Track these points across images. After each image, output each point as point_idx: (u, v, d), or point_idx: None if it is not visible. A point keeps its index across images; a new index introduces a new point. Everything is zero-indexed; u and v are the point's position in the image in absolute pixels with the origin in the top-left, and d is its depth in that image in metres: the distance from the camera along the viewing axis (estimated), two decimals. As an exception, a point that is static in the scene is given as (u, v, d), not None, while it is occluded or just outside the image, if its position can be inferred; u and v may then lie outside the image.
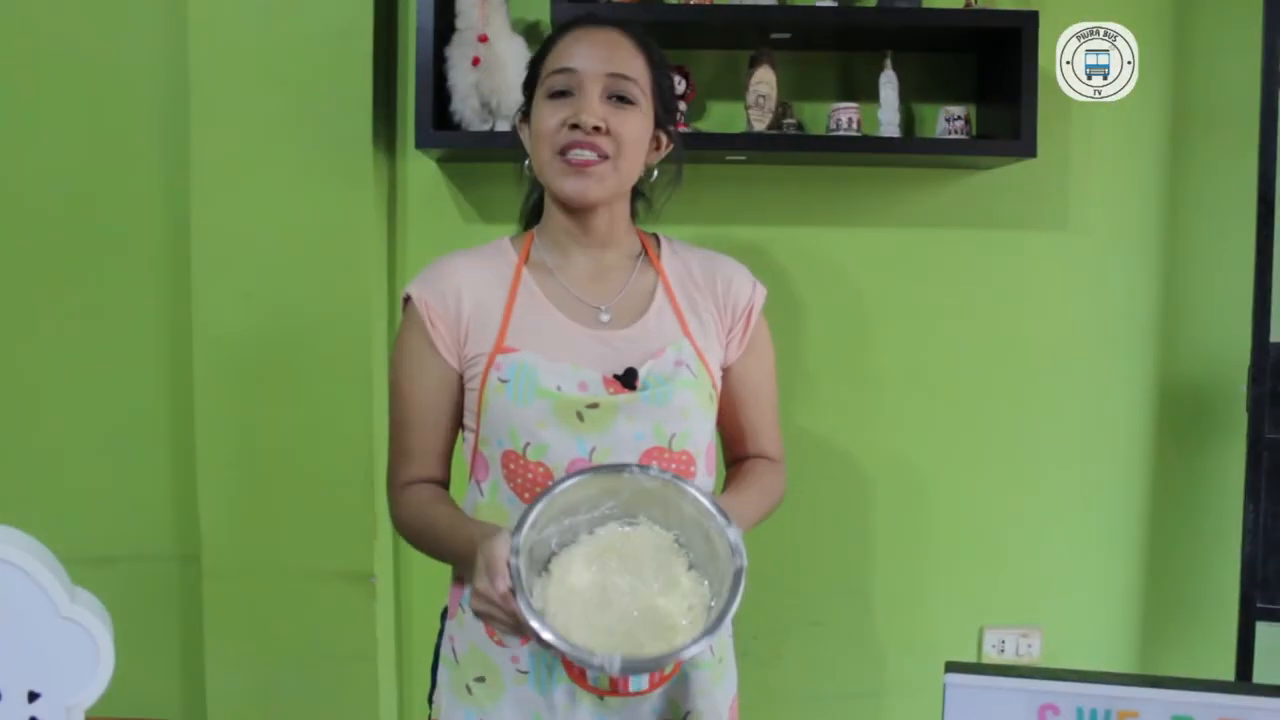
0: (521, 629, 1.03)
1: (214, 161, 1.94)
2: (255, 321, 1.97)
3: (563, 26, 1.28)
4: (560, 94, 1.22)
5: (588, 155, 1.21)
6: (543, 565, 1.09)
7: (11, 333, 2.07)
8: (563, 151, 1.21)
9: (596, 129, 1.20)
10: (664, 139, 1.30)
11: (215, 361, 1.97)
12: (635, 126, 1.23)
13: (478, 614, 1.08)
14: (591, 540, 1.10)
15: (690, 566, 1.11)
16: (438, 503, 1.26)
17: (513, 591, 1.02)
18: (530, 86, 1.29)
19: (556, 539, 1.10)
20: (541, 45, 1.30)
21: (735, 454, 1.39)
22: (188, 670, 2.12)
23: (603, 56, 1.22)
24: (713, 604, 1.08)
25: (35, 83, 2.03)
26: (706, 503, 1.10)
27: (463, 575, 1.30)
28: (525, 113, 1.30)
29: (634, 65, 1.24)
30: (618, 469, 1.11)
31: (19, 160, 2.04)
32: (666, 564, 1.10)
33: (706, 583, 1.10)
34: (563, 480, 1.10)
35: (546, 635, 1.00)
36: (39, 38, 2.02)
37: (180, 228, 2.00)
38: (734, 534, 1.08)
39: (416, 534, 1.26)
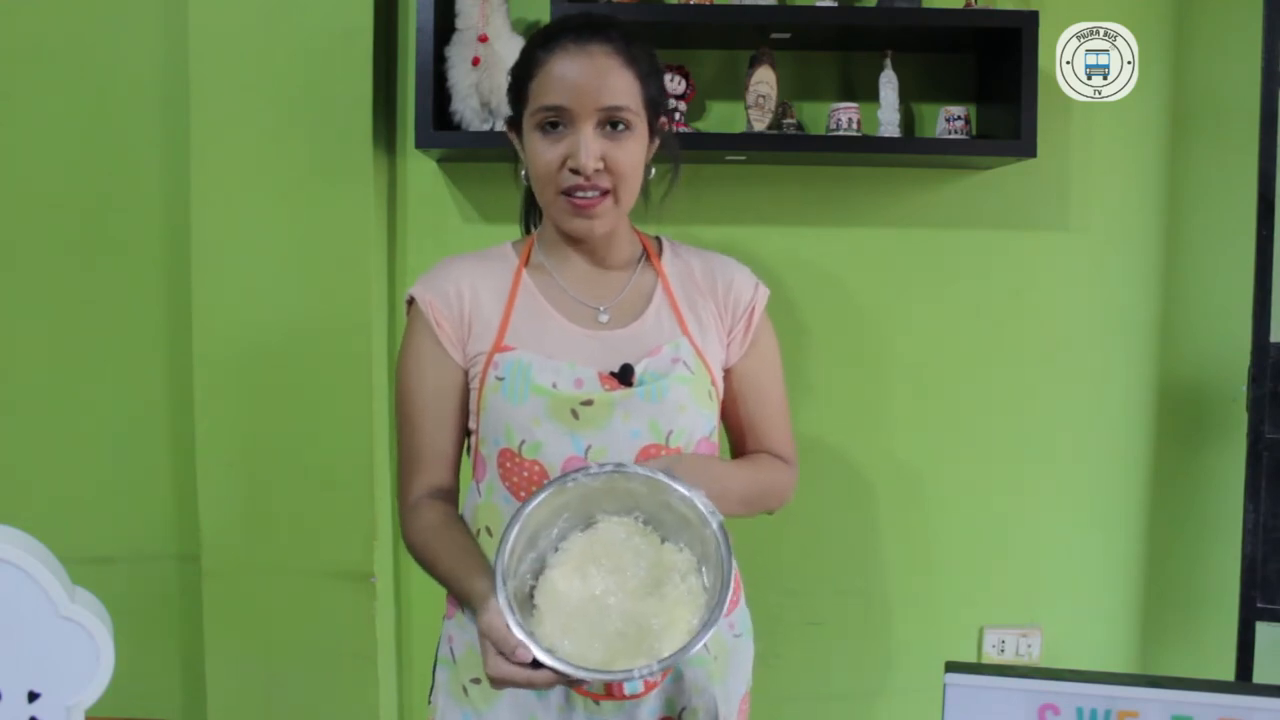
0: (548, 682, 1.02)
1: (214, 161, 1.94)
2: (255, 321, 1.97)
3: (546, 36, 1.23)
4: (553, 125, 1.20)
5: (590, 195, 1.20)
6: (528, 602, 1.08)
7: (11, 333, 2.07)
8: (564, 192, 1.21)
9: (596, 169, 1.19)
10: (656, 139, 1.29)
11: (215, 361, 1.97)
12: (632, 153, 1.21)
13: (500, 686, 1.06)
14: (559, 558, 1.09)
15: (663, 540, 1.11)
16: (441, 533, 1.22)
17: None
18: (517, 97, 1.25)
19: (530, 573, 1.09)
20: (525, 55, 1.24)
21: (741, 451, 1.39)
22: (188, 670, 2.12)
23: (593, 89, 1.18)
24: (703, 569, 1.07)
25: (35, 83, 2.03)
26: (660, 477, 1.09)
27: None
28: (512, 120, 1.28)
29: (625, 90, 1.19)
30: (560, 481, 1.09)
31: (19, 160, 2.04)
32: (640, 546, 1.10)
33: (685, 548, 1.09)
34: (511, 522, 1.07)
35: (582, 675, 1.00)
36: (39, 38, 2.02)
37: (180, 228, 2.00)
38: (701, 499, 1.07)
39: (421, 562, 1.25)
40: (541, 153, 1.20)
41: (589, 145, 1.18)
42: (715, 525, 1.06)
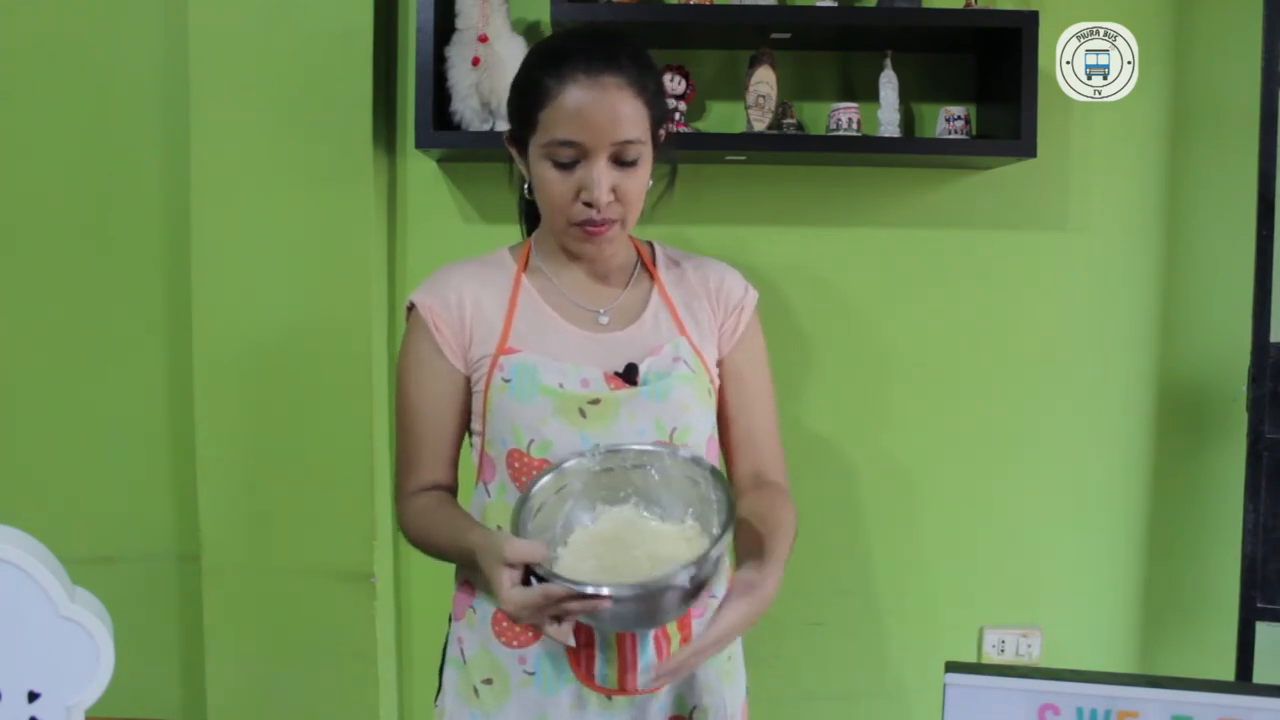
0: (562, 616, 1.04)
1: (214, 162, 1.94)
2: (255, 321, 1.97)
3: (555, 61, 1.20)
4: (566, 163, 1.19)
5: (601, 226, 1.22)
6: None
7: (11, 332, 2.07)
8: (577, 223, 1.22)
9: (608, 201, 1.20)
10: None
11: (215, 361, 1.97)
12: (641, 180, 1.23)
13: (517, 619, 1.07)
14: (569, 550, 1.13)
15: (662, 519, 1.17)
16: (436, 509, 1.26)
17: (534, 577, 1.05)
18: (523, 120, 1.23)
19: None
20: (533, 79, 1.21)
21: (735, 466, 1.36)
22: (188, 670, 2.12)
23: (606, 124, 1.17)
24: (716, 519, 1.12)
25: (35, 83, 2.03)
26: (650, 446, 1.19)
27: (469, 579, 1.31)
28: (514, 135, 1.27)
29: (636, 121, 1.19)
30: (558, 468, 1.17)
31: (19, 160, 2.04)
32: (643, 530, 1.15)
33: (690, 519, 1.15)
34: (525, 498, 1.14)
35: (605, 590, 1.01)
36: (39, 38, 2.02)
37: (180, 228, 2.00)
38: (685, 451, 1.18)
39: (420, 541, 1.27)
40: (553, 184, 1.21)
41: (602, 181, 1.19)
42: (708, 469, 1.15)
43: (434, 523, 1.24)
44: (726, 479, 1.14)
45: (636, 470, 1.18)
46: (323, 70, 1.93)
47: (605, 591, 1.01)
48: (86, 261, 2.07)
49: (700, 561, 1.03)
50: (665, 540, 1.12)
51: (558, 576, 1.03)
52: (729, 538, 1.08)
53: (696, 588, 1.04)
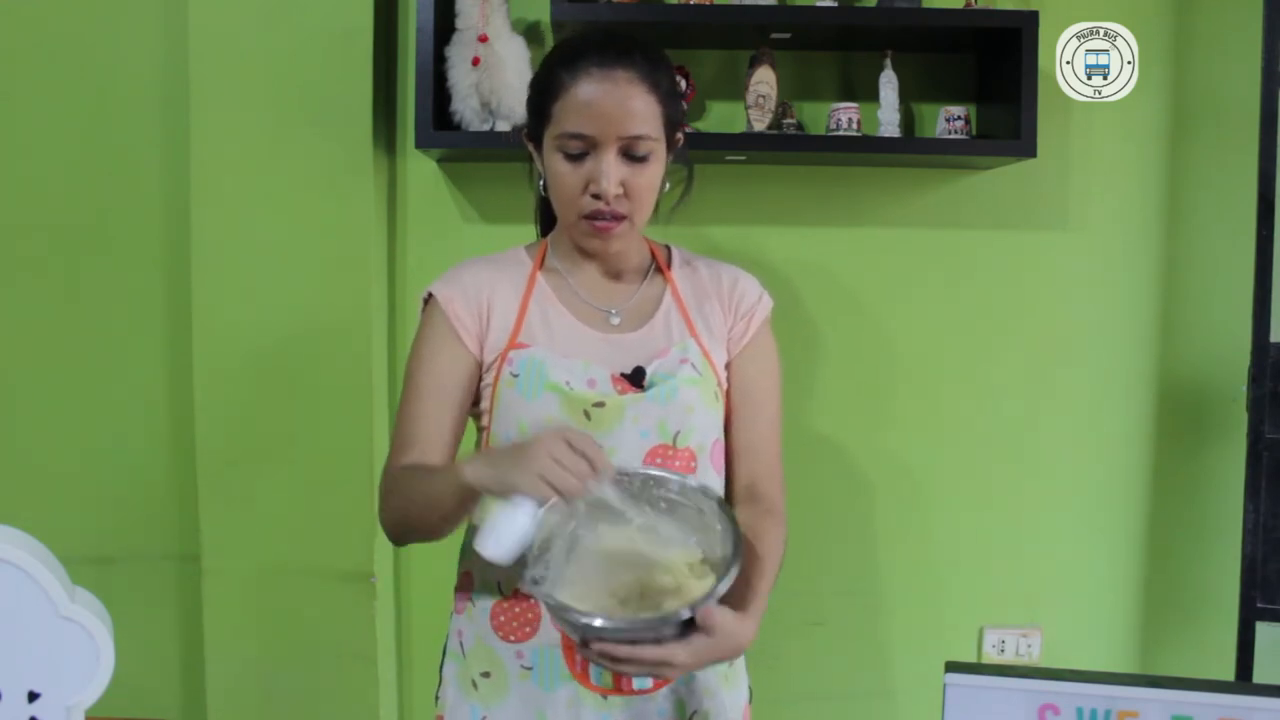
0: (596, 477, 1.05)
1: (214, 162, 1.94)
2: (255, 321, 1.97)
3: (570, 56, 1.22)
4: (576, 155, 1.20)
5: (610, 220, 1.22)
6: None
7: (12, 333, 2.07)
8: (586, 215, 1.22)
9: (616, 194, 1.21)
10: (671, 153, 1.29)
11: (215, 361, 1.97)
12: (652, 177, 1.23)
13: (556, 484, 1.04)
14: (570, 568, 1.12)
15: (665, 545, 1.15)
16: (419, 467, 1.22)
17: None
18: (538, 115, 1.25)
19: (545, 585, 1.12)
20: (548, 73, 1.23)
21: (731, 475, 1.35)
22: (188, 670, 2.12)
23: (617, 117, 1.18)
24: (720, 549, 1.11)
25: (35, 83, 2.03)
26: (654, 471, 1.18)
27: (469, 569, 1.30)
28: (530, 132, 1.28)
29: (648, 116, 1.20)
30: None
31: (19, 160, 2.05)
32: (644, 554, 1.13)
33: (693, 541, 1.14)
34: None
35: (597, 621, 1.01)
36: (39, 38, 2.02)
37: (180, 228, 2.00)
38: (693, 480, 1.18)
39: (400, 510, 1.22)
40: (564, 176, 1.22)
41: (610, 173, 1.19)
42: (714, 500, 1.15)
43: (411, 481, 1.19)
44: (733, 513, 1.13)
45: (644, 494, 1.17)
46: (323, 70, 1.93)
47: (597, 622, 1.02)
48: (86, 262, 2.07)
49: (704, 600, 1.03)
50: (665, 566, 1.11)
51: (566, 606, 1.03)
52: (733, 575, 1.06)
53: (690, 624, 1.05)
